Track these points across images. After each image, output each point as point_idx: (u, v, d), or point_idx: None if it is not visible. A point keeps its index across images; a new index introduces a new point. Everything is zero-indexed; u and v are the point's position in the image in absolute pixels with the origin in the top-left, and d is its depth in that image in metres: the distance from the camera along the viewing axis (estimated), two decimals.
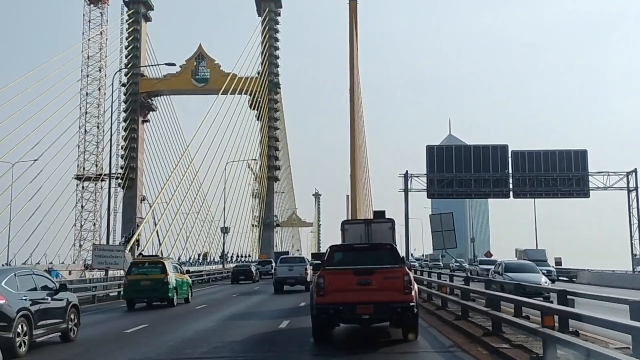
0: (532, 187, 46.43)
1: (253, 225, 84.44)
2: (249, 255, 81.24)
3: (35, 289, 12.53)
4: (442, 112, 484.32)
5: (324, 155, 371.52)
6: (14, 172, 50.78)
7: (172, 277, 23.51)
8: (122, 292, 25.13)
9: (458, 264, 64.56)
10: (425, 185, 46.93)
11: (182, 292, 24.63)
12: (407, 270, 12.26)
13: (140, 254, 44.02)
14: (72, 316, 13.71)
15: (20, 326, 11.51)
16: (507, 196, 47.06)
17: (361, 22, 66.75)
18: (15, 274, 12.22)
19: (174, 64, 49.20)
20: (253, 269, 45.37)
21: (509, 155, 46.25)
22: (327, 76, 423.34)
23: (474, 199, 46.12)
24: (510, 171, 46.40)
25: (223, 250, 63.08)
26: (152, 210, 63.95)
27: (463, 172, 46.10)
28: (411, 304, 11.74)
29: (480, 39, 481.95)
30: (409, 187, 46.82)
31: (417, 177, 47.36)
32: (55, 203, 60.62)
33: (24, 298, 11.92)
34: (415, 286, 12.48)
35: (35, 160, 54.19)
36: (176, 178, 63.35)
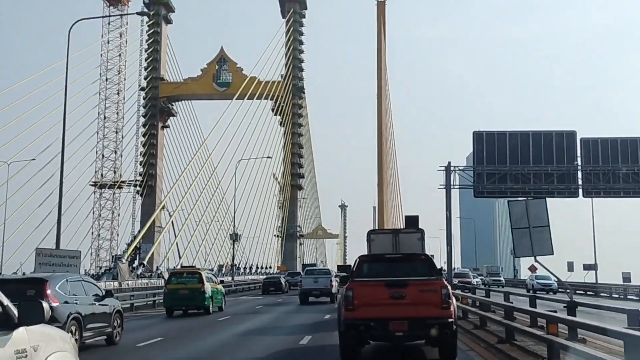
0: (606, 183, 37.81)
1: (275, 236, 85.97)
2: (270, 267, 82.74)
3: (84, 294, 14.13)
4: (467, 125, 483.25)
5: (350, 165, 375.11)
6: (9, 172, 51.33)
7: (208, 287, 26.12)
8: (162, 300, 27.99)
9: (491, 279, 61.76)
10: (472, 180, 38.59)
11: (217, 300, 27.18)
12: (445, 282, 11.91)
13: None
14: (117, 321, 15.30)
15: (71, 328, 13.05)
16: (575, 195, 38.76)
17: (389, 26, 68.09)
18: (67, 280, 13.84)
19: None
20: (282, 280, 48.57)
21: (578, 143, 37.70)
22: (353, 81, 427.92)
23: (533, 197, 33.77)
24: (579, 164, 37.78)
25: (233, 260, 61.92)
26: (171, 219, 65.69)
27: (519, 164, 37.49)
28: (450, 320, 11.27)
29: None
30: (452, 182, 38.74)
31: (461, 170, 40.18)
32: (71, 210, 62.77)
33: (75, 302, 13.53)
34: (454, 301, 12.03)
35: (32, 160, 53.60)
36: (197, 186, 65.22)
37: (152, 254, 66.12)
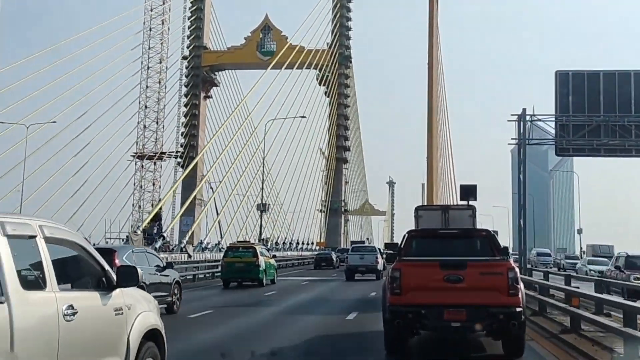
0: None
1: (319, 211, 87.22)
2: (312, 242, 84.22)
3: (147, 265, 15.73)
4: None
5: (399, 140, 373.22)
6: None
7: (262, 261, 28.96)
8: (219, 272, 31.39)
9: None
10: (554, 133, 32.13)
11: (270, 274, 30.12)
12: (512, 264, 10.74)
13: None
14: (176, 291, 16.98)
15: None
16: None
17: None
18: (132, 251, 15.52)
19: None
20: (334, 256, 53.94)
21: None
22: (404, 51, 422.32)
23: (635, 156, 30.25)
24: None
25: (260, 233, 59.98)
26: (214, 194, 67.41)
27: (617, 113, 30.24)
28: (517, 309, 10.13)
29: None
30: (528, 135, 32.58)
31: (539, 120, 32.70)
32: (113, 182, 65.34)
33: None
34: (522, 286, 10.89)
35: (53, 122, 51.08)
36: (240, 159, 66.79)
37: (193, 228, 68.33)
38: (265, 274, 28.81)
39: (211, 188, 72.86)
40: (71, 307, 5.10)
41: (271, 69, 70.31)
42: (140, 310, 6.35)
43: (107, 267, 6.06)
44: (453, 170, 78.01)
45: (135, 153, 78.67)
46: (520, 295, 10.35)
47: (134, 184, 77.73)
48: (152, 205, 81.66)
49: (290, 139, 70.23)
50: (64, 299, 5.10)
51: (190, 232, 63.49)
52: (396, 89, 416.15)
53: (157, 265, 16.29)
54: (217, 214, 65.93)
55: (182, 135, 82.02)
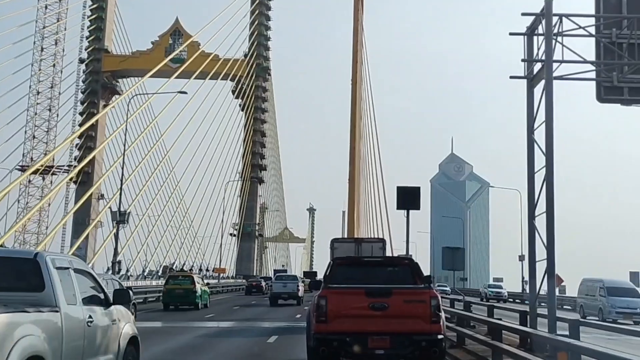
0: None
1: (231, 235, 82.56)
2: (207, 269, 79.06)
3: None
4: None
5: (322, 164, 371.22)
6: None
7: (199, 287, 33.57)
8: (161, 297, 35.30)
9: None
10: (594, 70, 15.81)
11: (204, 299, 34.73)
12: (435, 292, 11.17)
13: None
14: None
15: None
16: None
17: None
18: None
19: None
20: (263, 283, 59.18)
21: None
22: (329, 68, 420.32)
23: None
24: None
25: (115, 253, 57.50)
26: (108, 211, 61.83)
27: None
28: (439, 336, 10.69)
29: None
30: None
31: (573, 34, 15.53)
32: None
33: None
34: (443, 314, 11.38)
35: None
36: (142, 176, 61.84)
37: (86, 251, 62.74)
38: (200, 299, 33.52)
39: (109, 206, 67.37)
40: (90, 317, 7.76)
41: (180, 77, 65.56)
42: (125, 322, 9.06)
43: (106, 290, 8.77)
44: (385, 195, 73.68)
45: (22, 166, 71.93)
46: (441, 323, 10.87)
47: (19, 202, 70.87)
48: (40, 226, 75.08)
49: (201, 155, 66.10)
50: (86, 311, 7.76)
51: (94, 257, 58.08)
52: (320, 109, 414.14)
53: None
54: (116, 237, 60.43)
55: (76, 147, 75.59)
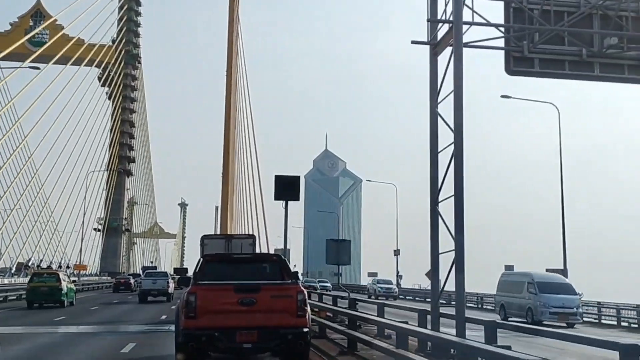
0: None
1: (95, 230, 78.66)
2: (68, 267, 75.35)
3: None
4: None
5: (194, 159, 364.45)
6: None
7: (65, 285, 33.18)
8: (25, 295, 34.34)
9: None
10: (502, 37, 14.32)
11: (70, 296, 34.22)
12: (301, 287, 11.64)
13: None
14: None
15: None
16: None
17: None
18: None
19: None
20: (132, 280, 57.08)
21: None
22: (205, 65, 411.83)
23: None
24: None
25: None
26: None
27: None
28: (305, 329, 11.23)
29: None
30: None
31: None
32: None
33: None
34: (309, 308, 11.96)
35: None
36: None
37: None
38: (66, 296, 33.09)
39: None
40: None
41: (40, 62, 61.35)
42: None
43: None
44: (261, 189, 72.56)
45: None
46: (307, 317, 11.44)
47: None
48: None
49: (63, 144, 62.36)
50: None
51: None
52: (195, 101, 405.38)
53: None
54: None
55: None
